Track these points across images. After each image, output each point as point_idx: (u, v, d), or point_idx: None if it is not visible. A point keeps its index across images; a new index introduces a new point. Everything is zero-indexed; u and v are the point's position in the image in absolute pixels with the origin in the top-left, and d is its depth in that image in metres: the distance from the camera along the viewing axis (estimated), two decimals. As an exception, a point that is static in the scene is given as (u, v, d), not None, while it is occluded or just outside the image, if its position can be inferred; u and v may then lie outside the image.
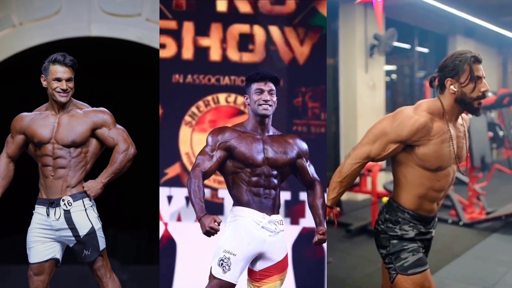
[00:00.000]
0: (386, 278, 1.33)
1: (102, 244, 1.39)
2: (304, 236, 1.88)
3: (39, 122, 1.39)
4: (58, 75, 1.36)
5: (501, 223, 3.24)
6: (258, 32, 1.95)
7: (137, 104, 2.17)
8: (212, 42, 1.93)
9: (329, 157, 3.88)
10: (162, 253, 1.86)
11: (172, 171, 1.93)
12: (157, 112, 1.93)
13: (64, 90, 1.37)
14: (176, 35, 1.92)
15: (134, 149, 1.41)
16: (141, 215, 2.24)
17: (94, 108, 1.43)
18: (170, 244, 1.88)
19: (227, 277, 1.18)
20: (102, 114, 1.41)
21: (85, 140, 1.39)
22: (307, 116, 1.94)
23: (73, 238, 1.36)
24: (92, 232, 1.37)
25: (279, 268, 1.24)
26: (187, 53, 1.93)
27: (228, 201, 1.85)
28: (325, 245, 1.30)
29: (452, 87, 1.20)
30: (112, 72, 2.28)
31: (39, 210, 1.39)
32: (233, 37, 1.94)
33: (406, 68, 5.31)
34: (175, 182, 1.91)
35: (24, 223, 1.42)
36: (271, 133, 1.28)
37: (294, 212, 1.92)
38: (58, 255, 1.39)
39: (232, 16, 1.94)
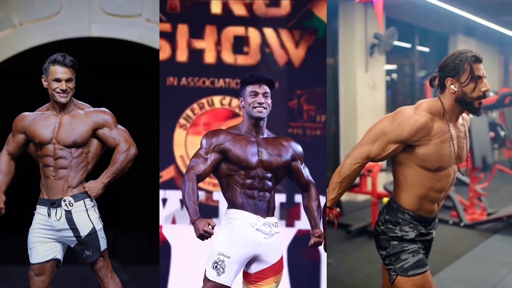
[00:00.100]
0: (386, 279, 1.33)
1: (103, 245, 1.39)
2: (300, 239, 1.89)
3: (40, 122, 1.39)
4: (57, 75, 1.36)
5: (503, 224, 3.23)
6: (253, 34, 1.94)
7: (137, 104, 2.17)
8: (206, 45, 1.93)
9: (329, 158, 3.87)
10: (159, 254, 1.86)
11: (167, 174, 1.93)
12: (157, 112, 1.93)
13: (64, 91, 1.37)
14: (170, 37, 1.92)
15: (135, 149, 1.41)
16: (142, 216, 2.24)
17: (96, 109, 1.43)
18: (164, 247, 1.88)
19: (221, 280, 1.18)
20: (103, 115, 1.41)
21: (86, 141, 1.39)
22: (303, 118, 1.94)
23: (74, 239, 1.37)
24: (93, 233, 1.37)
25: (275, 270, 1.25)
26: (182, 56, 1.93)
27: (223, 203, 1.84)
28: (321, 247, 1.28)
29: (452, 86, 1.20)
30: (112, 72, 2.28)
31: (40, 211, 1.39)
32: (228, 40, 1.94)
33: (406, 68, 5.30)
34: (170, 184, 1.91)
35: (24, 224, 1.42)
36: (265, 135, 1.28)
37: (289, 215, 1.92)
38: (59, 256, 1.39)
39: (227, 18, 1.93)
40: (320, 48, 1.94)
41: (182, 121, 1.95)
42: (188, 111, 1.95)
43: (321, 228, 1.28)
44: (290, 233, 1.91)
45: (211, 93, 1.95)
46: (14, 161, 1.43)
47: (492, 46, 6.56)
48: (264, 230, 1.23)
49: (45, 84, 1.39)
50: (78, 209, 1.36)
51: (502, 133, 3.74)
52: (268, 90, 1.25)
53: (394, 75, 5.22)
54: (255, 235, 1.22)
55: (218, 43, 1.94)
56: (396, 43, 4.28)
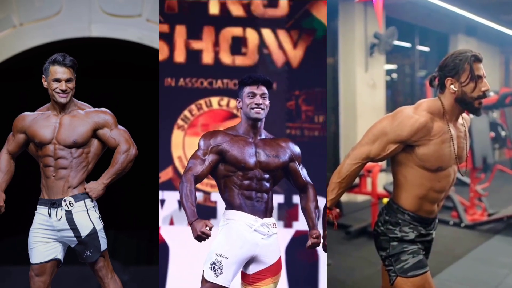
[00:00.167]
0: (386, 280, 1.33)
1: (103, 245, 1.39)
2: (298, 239, 1.89)
3: (41, 122, 1.39)
4: (57, 75, 1.36)
5: (503, 224, 3.22)
6: (251, 35, 1.94)
7: (137, 104, 2.17)
8: (204, 45, 1.93)
9: (329, 158, 3.87)
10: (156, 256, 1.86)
11: (165, 175, 1.94)
12: (157, 112, 1.93)
13: (63, 91, 1.37)
14: (168, 38, 1.92)
15: (135, 149, 1.41)
16: (142, 216, 2.25)
17: (96, 109, 1.43)
18: (163, 247, 1.89)
19: (219, 281, 1.18)
20: (103, 115, 1.41)
21: (86, 141, 1.39)
22: (301, 119, 1.94)
23: (75, 239, 1.37)
24: (93, 233, 1.37)
25: (273, 271, 1.25)
26: (179, 57, 1.93)
27: (221, 204, 1.86)
28: (320, 248, 1.29)
29: (452, 86, 1.19)
30: (112, 72, 2.28)
31: (41, 211, 1.39)
32: (226, 40, 1.94)
33: (406, 67, 5.29)
34: (168, 186, 1.91)
35: (24, 224, 1.42)
36: (263, 136, 1.28)
37: (287, 215, 1.93)
38: (60, 256, 1.39)
39: (225, 19, 1.93)
40: (319, 49, 1.94)
41: (180, 122, 1.95)
42: (186, 112, 1.95)
43: (319, 229, 1.28)
44: (288, 234, 1.91)
45: (209, 94, 1.95)
46: (14, 161, 1.44)
47: (493, 46, 6.55)
48: (262, 231, 1.23)
49: (45, 84, 1.39)
50: (78, 209, 1.37)
51: (503, 133, 3.73)
52: (266, 91, 1.25)
53: (394, 75, 5.21)
54: (253, 236, 1.22)
55: (216, 44, 1.94)
56: (396, 42, 4.28)
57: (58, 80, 1.36)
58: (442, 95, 1.23)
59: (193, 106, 1.96)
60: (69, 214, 1.36)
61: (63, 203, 1.36)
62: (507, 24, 5.68)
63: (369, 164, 1.38)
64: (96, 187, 1.38)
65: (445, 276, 2.35)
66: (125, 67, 2.28)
